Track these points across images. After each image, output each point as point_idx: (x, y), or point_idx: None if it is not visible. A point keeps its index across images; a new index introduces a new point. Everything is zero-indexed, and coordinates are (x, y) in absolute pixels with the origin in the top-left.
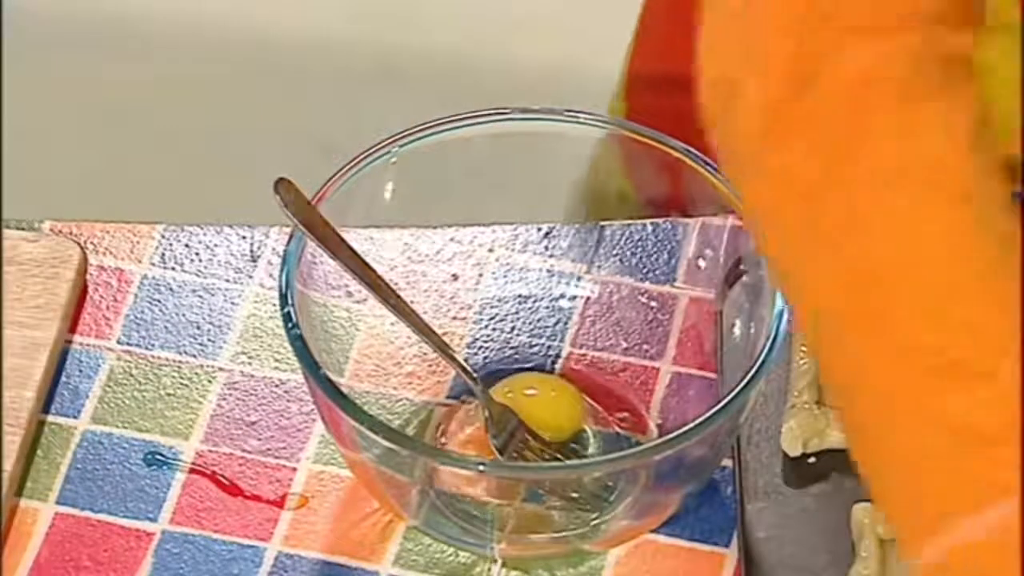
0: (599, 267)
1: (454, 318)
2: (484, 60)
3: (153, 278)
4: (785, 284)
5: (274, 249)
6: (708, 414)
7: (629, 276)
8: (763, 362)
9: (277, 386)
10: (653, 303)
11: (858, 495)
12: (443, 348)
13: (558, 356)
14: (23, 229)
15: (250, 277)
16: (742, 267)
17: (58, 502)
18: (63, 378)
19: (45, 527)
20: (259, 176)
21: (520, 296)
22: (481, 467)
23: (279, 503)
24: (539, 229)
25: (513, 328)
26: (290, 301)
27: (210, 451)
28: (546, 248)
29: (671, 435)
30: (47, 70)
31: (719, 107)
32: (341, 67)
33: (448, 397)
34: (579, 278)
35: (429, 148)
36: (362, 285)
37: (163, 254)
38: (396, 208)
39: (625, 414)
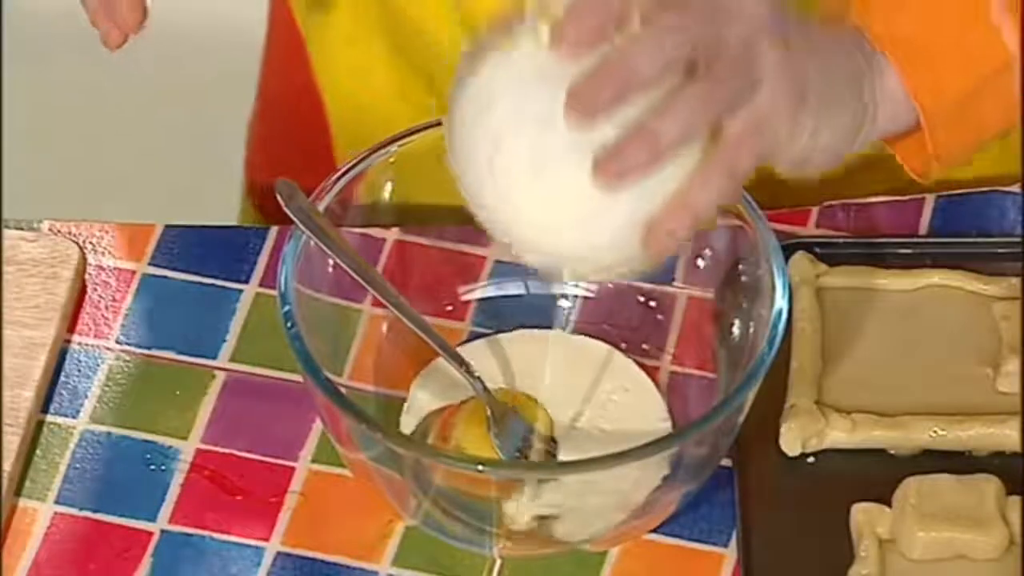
0: None
1: (453, 317)
2: None
3: (152, 277)
4: None
5: (273, 248)
6: (707, 414)
7: None
8: (762, 362)
9: (276, 386)
10: (652, 303)
11: (857, 495)
12: (444, 347)
13: None
14: (22, 229)
15: (249, 276)
16: (741, 267)
17: (57, 502)
18: (62, 378)
19: (44, 527)
20: None
21: (519, 296)
22: (480, 467)
23: (278, 502)
24: None
25: (512, 328)
26: (289, 300)
27: (209, 450)
28: None
29: (670, 435)
30: (47, 70)
31: None
32: None
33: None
34: None
35: (428, 147)
36: (361, 284)
37: (162, 254)
38: (395, 207)
39: None
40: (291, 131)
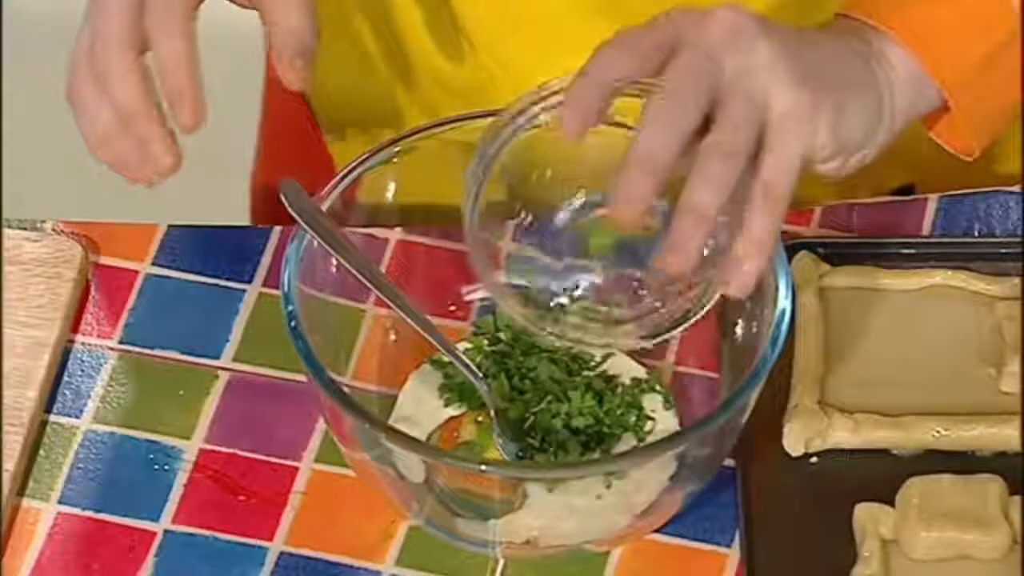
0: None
1: (456, 317)
2: None
3: (155, 278)
4: None
5: (276, 248)
6: (711, 414)
7: None
8: (765, 362)
9: (279, 386)
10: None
11: (860, 495)
12: (448, 346)
13: None
14: (26, 229)
15: (252, 276)
16: None
17: (60, 502)
18: (65, 378)
19: (47, 527)
20: None
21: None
22: (483, 467)
23: (281, 502)
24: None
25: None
26: (292, 300)
27: (212, 451)
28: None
29: (674, 435)
30: (47, 70)
31: None
32: None
33: None
34: None
35: (430, 148)
36: (365, 284)
37: (165, 254)
38: (398, 207)
39: None
40: (295, 135)
